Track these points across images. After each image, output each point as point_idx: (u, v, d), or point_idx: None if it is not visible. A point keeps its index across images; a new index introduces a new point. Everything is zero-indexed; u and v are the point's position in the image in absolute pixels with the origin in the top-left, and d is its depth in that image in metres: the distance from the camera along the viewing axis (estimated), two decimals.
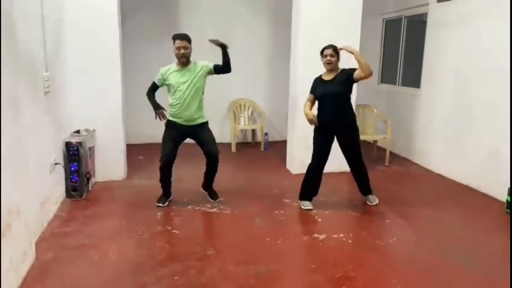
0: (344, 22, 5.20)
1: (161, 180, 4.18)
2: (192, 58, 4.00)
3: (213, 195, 4.33)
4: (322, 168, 4.17)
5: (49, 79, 3.77)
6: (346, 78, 3.92)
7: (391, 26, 6.90)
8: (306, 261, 3.20)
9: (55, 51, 4.08)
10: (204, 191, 4.39)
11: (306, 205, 4.18)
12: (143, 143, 6.74)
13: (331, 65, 3.95)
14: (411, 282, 2.90)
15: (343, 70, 3.99)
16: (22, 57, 2.95)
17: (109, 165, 4.90)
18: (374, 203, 4.31)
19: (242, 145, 6.99)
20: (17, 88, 2.76)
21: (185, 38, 3.88)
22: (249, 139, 7.31)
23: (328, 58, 3.91)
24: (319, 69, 5.11)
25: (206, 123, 4.15)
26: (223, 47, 3.89)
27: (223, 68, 3.98)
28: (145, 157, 6.07)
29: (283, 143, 6.07)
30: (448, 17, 5.37)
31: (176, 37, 3.90)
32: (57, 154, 4.08)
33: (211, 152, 4.10)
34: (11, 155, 2.59)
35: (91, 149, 4.62)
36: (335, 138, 4.15)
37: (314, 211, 4.14)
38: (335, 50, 3.92)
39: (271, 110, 7.20)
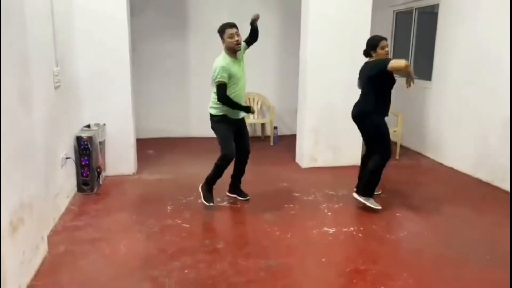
0: (354, 15, 5.15)
1: (216, 177, 3.96)
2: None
3: (243, 194, 4.26)
4: None
5: (59, 74, 3.79)
6: None
7: (401, 18, 6.81)
8: (316, 255, 3.19)
9: (65, 46, 4.10)
10: (232, 195, 4.29)
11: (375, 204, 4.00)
12: (153, 137, 6.78)
13: (388, 55, 3.94)
14: (422, 276, 2.87)
15: None
16: (32, 51, 2.96)
17: (119, 159, 4.93)
18: (379, 192, 4.31)
19: (252, 139, 6.84)
20: (28, 82, 2.77)
21: (235, 25, 3.73)
22: (259, 133, 7.30)
23: (387, 49, 3.90)
24: (328, 63, 5.09)
25: (244, 118, 4.09)
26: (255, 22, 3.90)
27: (252, 34, 3.94)
28: (155, 151, 6.10)
29: (293, 137, 6.06)
30: (460, 9, 5.29)
31: (225, 26, 3.72)
32: (68, 149, 4.12)
33: (246, 149, 4.09)
34: (23, 150, 2.62)
35: (102, 143, 4.65)
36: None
37: (323, 205, 4.13)
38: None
39: (280, 104, 7.18)
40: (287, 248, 3.27)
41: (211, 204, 3.97)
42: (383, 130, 3.90)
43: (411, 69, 3.66)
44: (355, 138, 4.12)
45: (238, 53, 3.83)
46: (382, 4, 6.61)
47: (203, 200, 3.98)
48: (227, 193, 4.30)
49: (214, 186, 4.04)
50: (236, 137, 3.96)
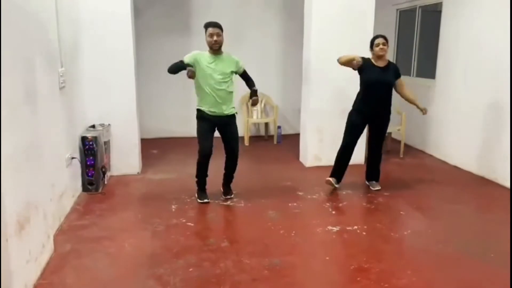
0: (357, 13, 5.15)
1: (199, 176, 4.13)
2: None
3: (225, 192, 4.30)
4: (352, 150, 4.41)
5: (64, 75, 3.81)
6: (395, 74, 4.27)
7: (405, 17, 6.80)
8: (320, 253, 3.20)
9: (70, 47, 4.13)
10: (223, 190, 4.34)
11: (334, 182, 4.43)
12: (157, 137, 6.81)
13: (384, 52, 4.14)
14: (426, 274, 2.88)
15: (391, 62, 4.33)
16: (37, 52, 2.99)
17: (124, 159, 4.96)
18: (377, 188, 4.49)
19: (255, 139, 7.00)
20: (33, 83, 2.80)
21: (218, 25, 3.83)
22: (262, 133, 7.30)
23: (381, 46, 4.09)
24: (331, 62, 5.07)
25: (234, 117, 4.08)
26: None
27: (247, 83, 4.16)
28: (159, 151, 6.12)
29: (296, 136, 6.07)
30: (463, 7, 5.27)
31: (208, 24, 3.86)
32: (73, 149, 4.15)
33: (231, 150, 4.11)
34: (28, 150, 2.64)
35: (107, 143, 4.67)
36: (367, 124, 4.45)
37: (328, 204, 4.14)
38: (386, 39, 4.15)
39: (284, 104, 7.18)
40: (291, 247, 3.28)
41: (205, 200, 4.09)
42: None
43: (358, 60, 4.04)
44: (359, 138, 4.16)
45: (222, 55, 3.92)
46: (385, 3, 6.60)
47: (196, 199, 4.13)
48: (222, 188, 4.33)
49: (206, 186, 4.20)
50: (221, 137, 4.10)
